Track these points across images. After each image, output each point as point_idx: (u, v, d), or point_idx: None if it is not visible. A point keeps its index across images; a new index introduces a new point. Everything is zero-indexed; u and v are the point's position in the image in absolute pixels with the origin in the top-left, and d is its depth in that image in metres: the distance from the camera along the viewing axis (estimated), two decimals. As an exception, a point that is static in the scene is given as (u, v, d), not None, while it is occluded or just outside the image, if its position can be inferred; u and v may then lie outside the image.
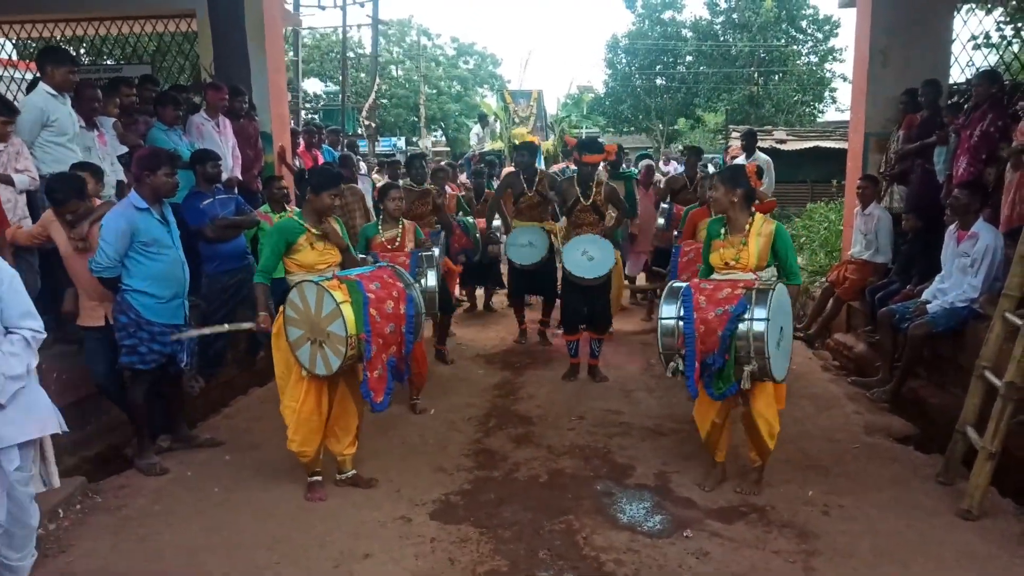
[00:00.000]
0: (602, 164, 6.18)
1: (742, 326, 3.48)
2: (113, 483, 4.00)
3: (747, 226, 3.79)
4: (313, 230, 3.85)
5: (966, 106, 5.96)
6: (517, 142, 17.34)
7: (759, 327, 3.45)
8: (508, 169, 11.04)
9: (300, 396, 3.67)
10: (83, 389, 4.44)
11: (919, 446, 4.55)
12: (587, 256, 5.51)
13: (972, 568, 3.13)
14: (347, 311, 3.51)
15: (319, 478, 3.89)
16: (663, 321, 3.66)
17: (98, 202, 4.35)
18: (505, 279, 8.47)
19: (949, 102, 6.51)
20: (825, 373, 6.13)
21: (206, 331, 4.30)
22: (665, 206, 7.47)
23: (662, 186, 8.43)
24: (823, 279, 7.90)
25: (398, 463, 4.27)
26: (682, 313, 3.60)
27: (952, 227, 5.28)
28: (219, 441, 4.58)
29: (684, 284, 3.77)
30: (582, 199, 5.65)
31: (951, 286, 5.18)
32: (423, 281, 4.75)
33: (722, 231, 3.86)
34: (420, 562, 3.24)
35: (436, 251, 5.32)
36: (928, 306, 5.23)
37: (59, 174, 4.32)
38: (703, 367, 3.58)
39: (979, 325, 4.89)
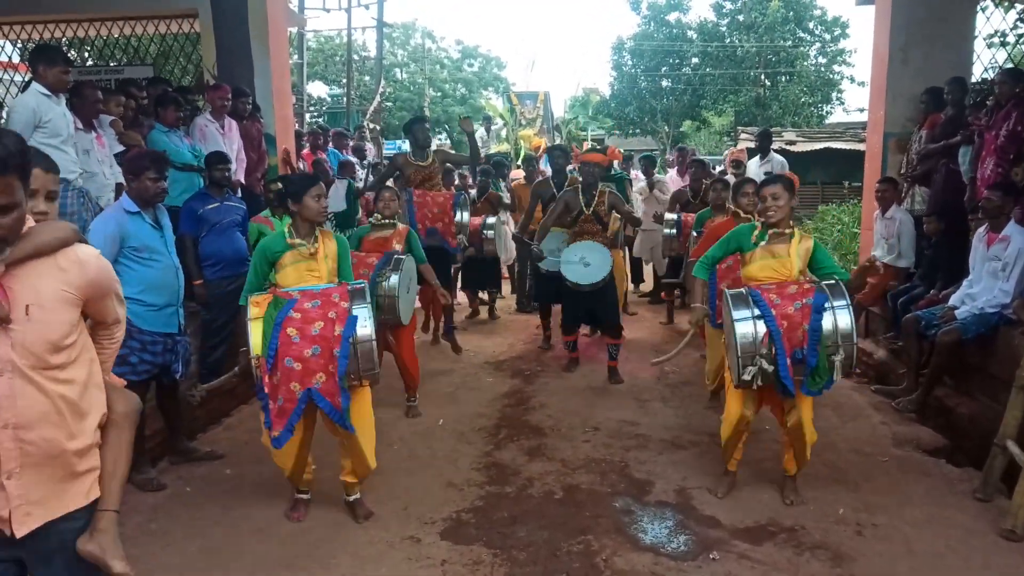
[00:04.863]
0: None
1: (826, 317, 3.38)
2: (108, 499, 3.82)
3: (789, 238, 3.66)
4: (297, 242, 3.47)
5: (988, 105, 5.77)
6: (524, 144, 17.16)
7: (844, 315, 3.38)
8: (516, 172, 10.87)
9: None
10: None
11: (950, 459, 4.36)
12: (584, 262, 5.55)
13: (1020, 594, 2.93)
14: (255, 329, 3.23)
15: (303, 496, 3.66)
16: (739, 324, 3.44)
17: (31, 223, 1.93)
18: (501, 279, 8.46)
19: (973, 102, 6.31)
20: (846, 381, 5.91)
21: (215, 384, 4.20)
22: (673, 216, 7.24)
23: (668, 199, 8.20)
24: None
25: (405, 478, 4.08)
26: (758, 312, 3.43)
27: (981, 230, 5.07)
28: (219, 454, 4.40)
29: (744, 288, 3.64)
30: (585, 209, 5.67)
31: (981, 291, 4.97)
32: (384, 284, 4.54)
33: (756, 241, 3.69)
34: (430, 587, 3.06)
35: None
36: (956, 312, 5.02)
37: None
38: (792, 363, 3.42)
39: (1010, 332, 4.68)
